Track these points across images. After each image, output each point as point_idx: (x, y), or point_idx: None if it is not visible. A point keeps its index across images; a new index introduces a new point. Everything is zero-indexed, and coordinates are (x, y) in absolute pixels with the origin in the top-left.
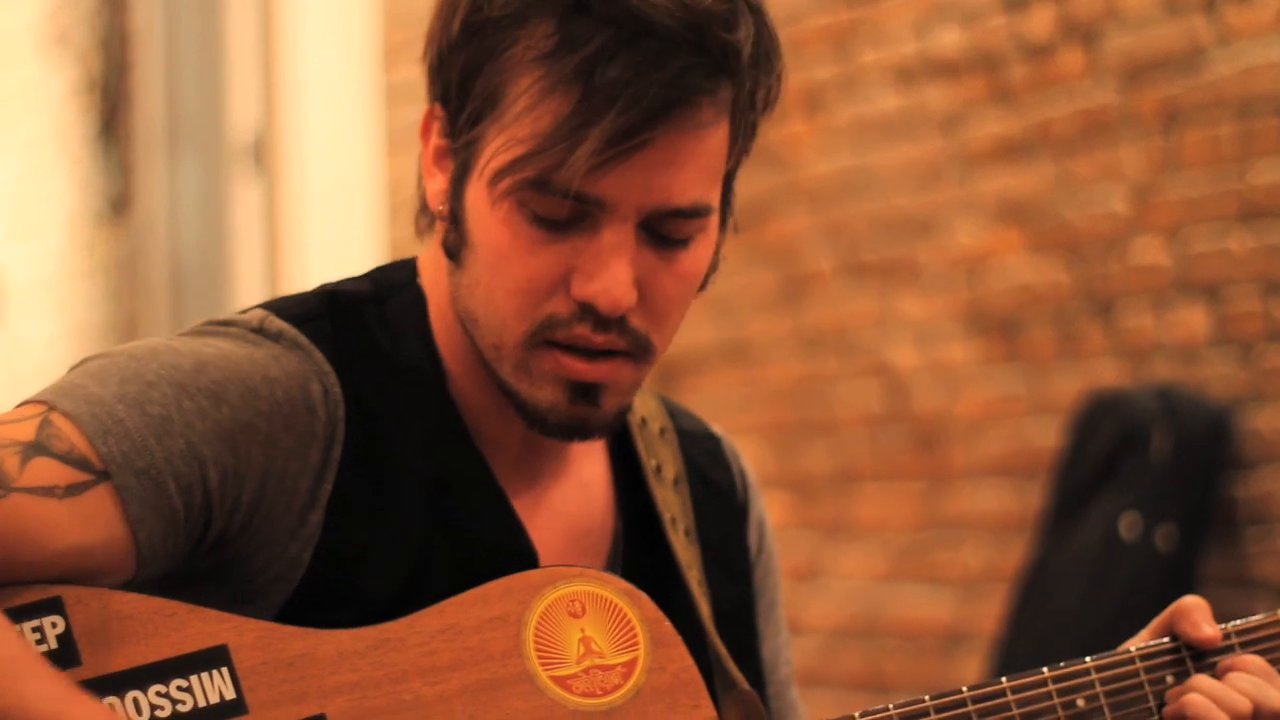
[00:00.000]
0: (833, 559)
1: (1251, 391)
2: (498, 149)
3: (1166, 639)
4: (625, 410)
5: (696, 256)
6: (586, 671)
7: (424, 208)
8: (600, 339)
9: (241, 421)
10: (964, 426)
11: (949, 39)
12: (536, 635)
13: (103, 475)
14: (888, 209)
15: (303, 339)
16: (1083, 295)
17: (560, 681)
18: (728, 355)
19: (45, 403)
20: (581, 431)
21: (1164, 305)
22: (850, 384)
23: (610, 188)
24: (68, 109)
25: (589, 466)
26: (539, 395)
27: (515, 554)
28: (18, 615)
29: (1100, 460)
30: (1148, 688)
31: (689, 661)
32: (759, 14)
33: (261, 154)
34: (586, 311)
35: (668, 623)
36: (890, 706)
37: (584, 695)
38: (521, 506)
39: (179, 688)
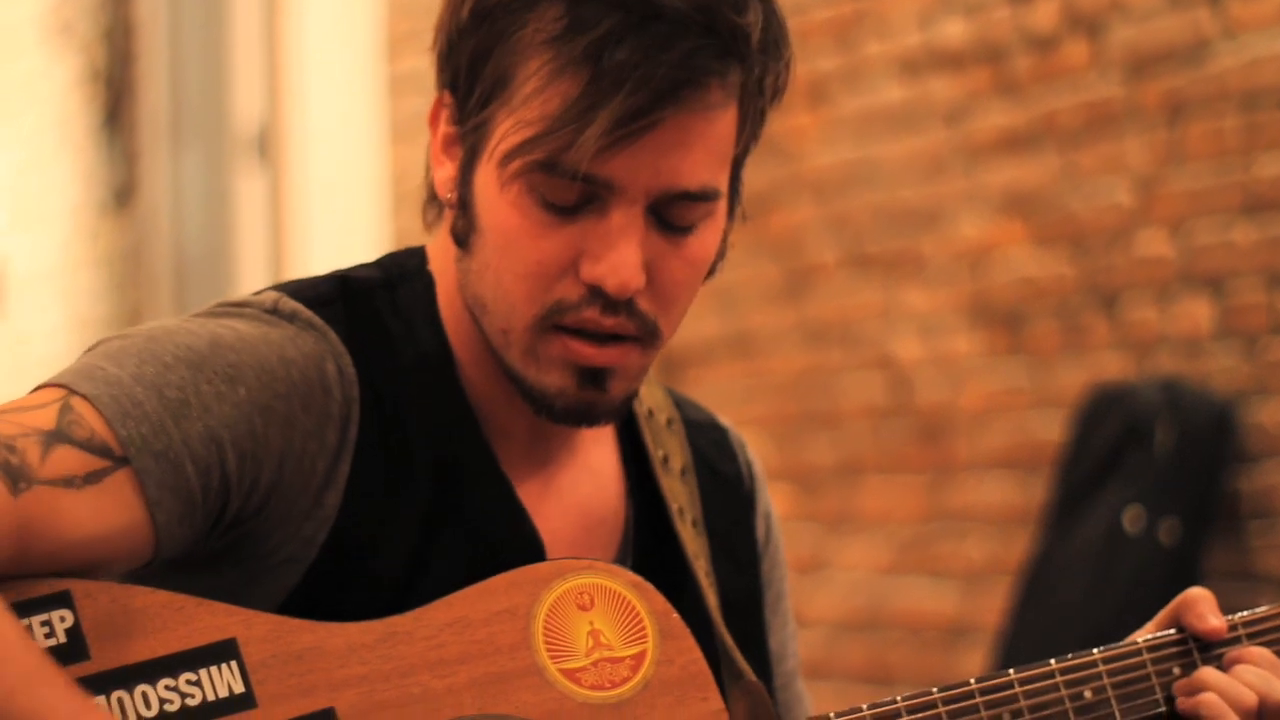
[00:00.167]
0: (836, 551)
1: (1256, 385)
2: (506, 131)
3: (1173, 631)
4: (632, 396)
5: (704, 242)
6: (595, 664)
7: (432, 199)
8: (609, 322)
9: (259, 403)
10: (968, 419)
11: (953, 30)
12: (545, 628)
13: (122, 461)
14: (892, 201)
15: (317, 320)
16: (1087, 288)
17: (569, 674)
18: (731, 347)
19: (65, 386)
20: (589, 417)
21: (1168, 298)
22: (854, 376)
23: (619, 169)
24: (72, 99)
25: (598, 455)
26: (546, 380)
27: (519, 541)
28: (26, 609)
29: (1104, 453)
30: (1154, 679)
31: (698, 654)
32: (768, 1)
33: (265, 145)
34: (595, 294)
35: (676, 615)
36: (898, 698)
37: (593, 688)
38: (529, 494)
39: (188, 681)
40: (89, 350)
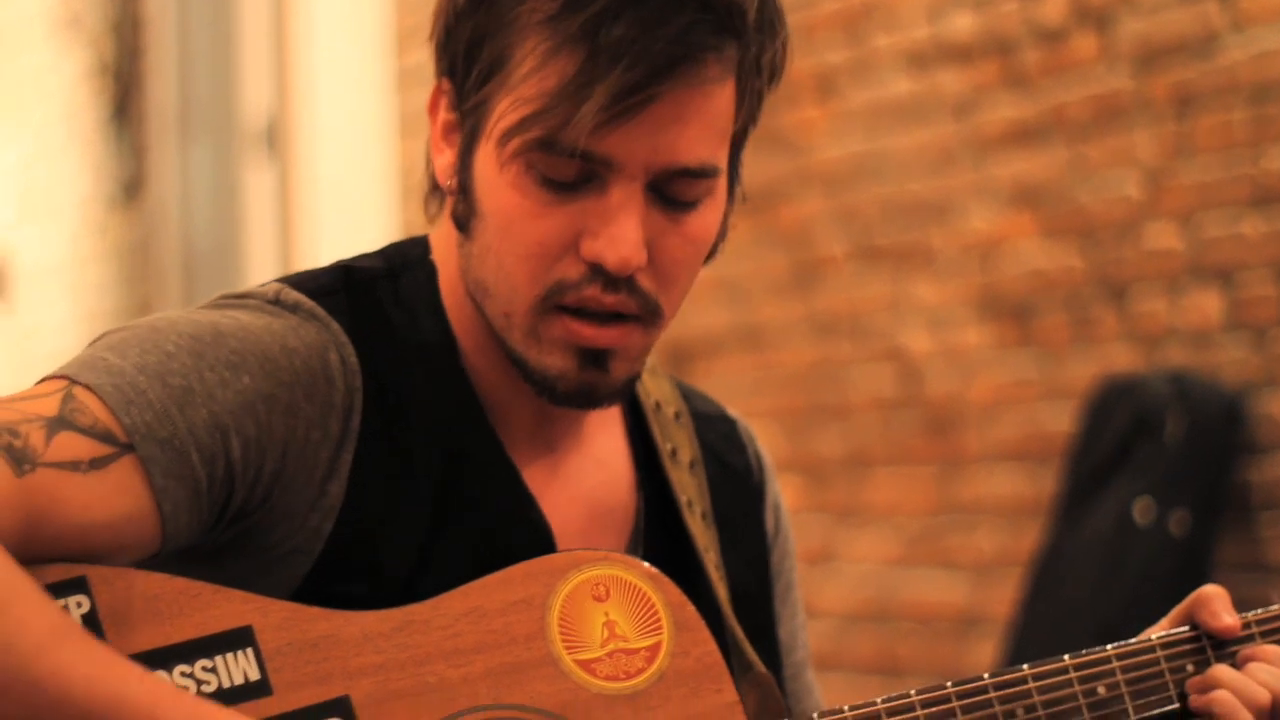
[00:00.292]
0: (846, 543)
1: (1265, 376)
2: (504, 111)
3: (1186, 628)
4: (635, 377)
5: (705, 220)
6: (610, 655)
7: (433, 189)
8: (610, 300)
9: (263, 392)
10: (977, 411)
11: (962, 23)
12: (561, 619)
13: (127, 448)
14: (900, 193)
15: (320, 310)
16: (1096, 280)
17: (584, 665)
18: (740, 339)
19: (67, 377)
20: (591, 399)
21: (1177, 290)
22: (863, 368)
23: (617, 146)
24: (80, 93)
25: (607, 447)
26: (548, 362)
27: (526, 528)
28: None
29: (1114, 445)
30: (1168, 676)
31: (713, 646)
32: None
33: (274, 138)
34: (596, 272)
35: (691, 607)
36: (913, 692)
37: (608, 679)
38: (535, 481)
39: (204, 668)
40: (92, 343)
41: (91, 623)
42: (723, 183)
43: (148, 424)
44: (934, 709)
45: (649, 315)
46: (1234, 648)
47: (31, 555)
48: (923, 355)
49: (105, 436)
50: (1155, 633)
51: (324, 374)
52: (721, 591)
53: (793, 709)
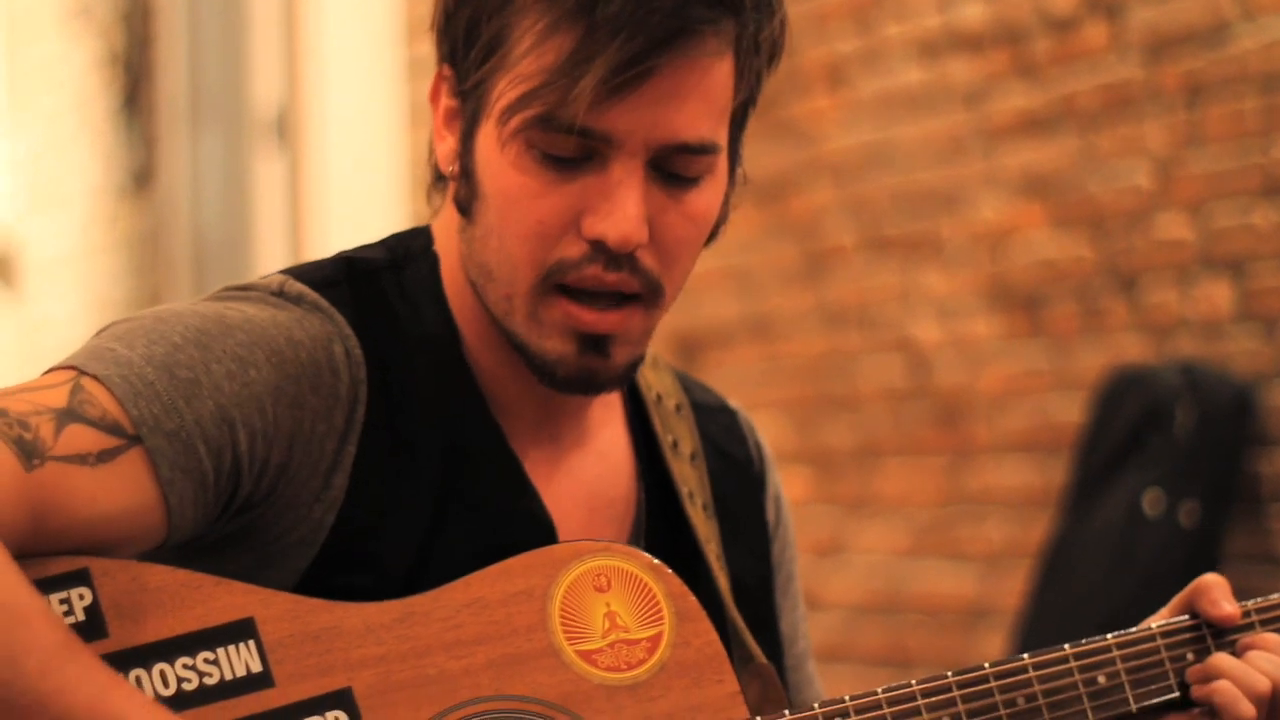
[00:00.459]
0: (855, 534)
1: (1275, 367)
2: (504, 89)
3: (1186, 616)
4: (637, 362)
5: (706, 198)
6: (611, 646)
7: (436, 179)
8: (611, 278)
9: (269, 384)
10: (987, 402)
11: (972, 12)
12: (562, 610)
13: (134, 440)
14: (910, 183)
15: (323, 302)
16: (1106, 270)
17: (585, 656)
18: (750, 330)
19: (75, 368)
20: (592, 383)
21: (1188, 281)
22: (873, 359)
23: (616, 121)
24: (90, 83)
25: (608, 439)
26: (548, 346)
27: (528, 518)
28: (45, 587)
29: (1124, 436)
30: (1168, 665)
31: (714, 636)
32: None
33: (284, 128)
34: (598, 251)
35: (693, 598)
36: (913, 682)
37: (609, 669)
38: (537, 472)
39: (206, 660)
40: (98, 333)
41: (94, 615)
42: (723, 161)
43: (155, 416)
44: (934, 699)
45: (650, 294)
46: (1234, 636)
47: (38, 548)
48: (932, 345)
49: (113, 429)
50: (1155, 621)
51: (329, 366)
52: (723, 582)
53: (794, 700)
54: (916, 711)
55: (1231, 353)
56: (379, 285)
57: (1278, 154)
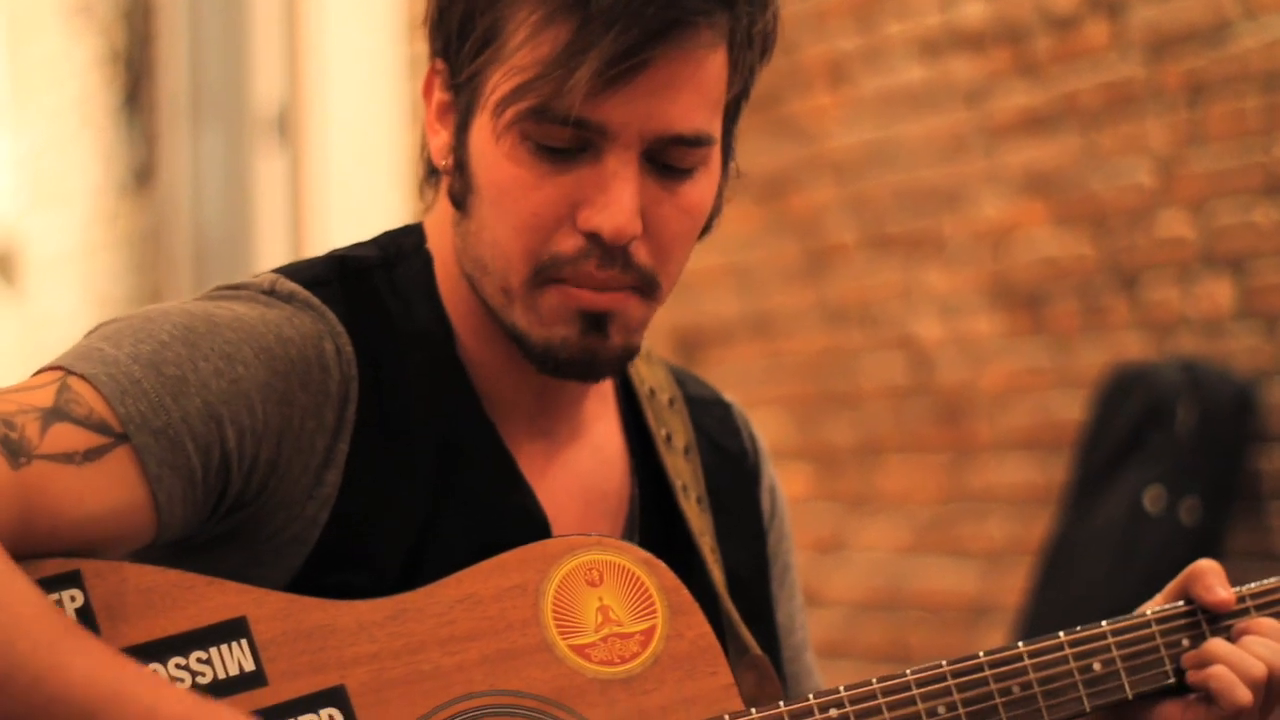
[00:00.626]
0: (856, 531)
1: (1276, 365)
2: (499, 81)
3: (1181, 603)
4: (633, 351)
5: (700, 190)
6: (605, 640)
7: (428, 174)
8: (605, 274)
9: (258, 381)
10: (988, 399)
11: (974, 10)
12: (555, 604)
13: (121, 438)
14: (912, 181)
15: (315, 300)
16: (1108, 268)
17: (579, 650)
18: (751, 327)
19: (62, 368)
20: (592, 366)
21: (1189, 278)
22: (874, 356)
23: (611, 113)
24: (91, 80)
25: (602, 433)
26: (549, 332)
27: (522, 515)
28: None
29: (1125, 433)
30: (1163, 651)
31: (707, 629)
32: None
33: (285, 125)
34: (592, 245)
35: (686, 591)
36: (908, 672)
37: (602, 663)
38: (532, 468)
39: (198, 660)
40: (87, 334)
41: (85, 617)
42: (717, 153)
43: (142, 414)
44: (929, 688)
45: (646, 287)
46: (1229, 621)
47: (27, 548)
48: (934, 343)
49: (100, 427)
50: (1150, 608)
51: (319, 363)
52: (717, 575)
53: (793, 691)
54: (911, 701)
55: (1232, 350)
56: (371, 283)
57: (1279, 152)
